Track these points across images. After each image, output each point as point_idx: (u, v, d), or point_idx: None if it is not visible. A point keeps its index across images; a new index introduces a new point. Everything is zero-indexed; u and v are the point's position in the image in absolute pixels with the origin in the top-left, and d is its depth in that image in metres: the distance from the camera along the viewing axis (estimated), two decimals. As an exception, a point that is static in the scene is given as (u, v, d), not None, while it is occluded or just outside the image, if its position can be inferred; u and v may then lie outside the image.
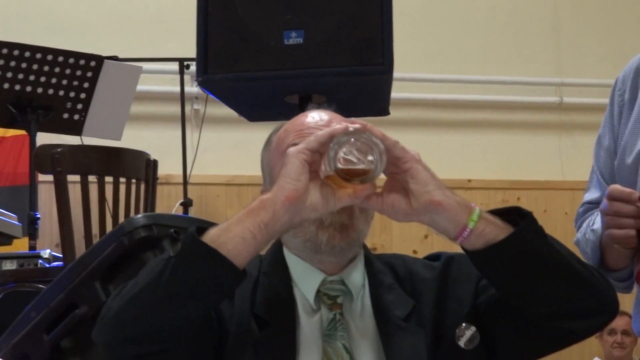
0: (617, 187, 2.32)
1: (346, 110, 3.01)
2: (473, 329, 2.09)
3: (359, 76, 3.07)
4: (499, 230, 1.94)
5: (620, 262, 2.42)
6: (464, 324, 2.09)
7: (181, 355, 2.00)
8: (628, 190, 2.30)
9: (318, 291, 2.14)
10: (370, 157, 1.88)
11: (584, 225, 2.55)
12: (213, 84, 3.22)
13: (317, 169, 1.91)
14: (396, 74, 3.16)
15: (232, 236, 1.90)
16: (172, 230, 2.63)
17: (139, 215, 2.82)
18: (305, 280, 2.16)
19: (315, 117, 2.18)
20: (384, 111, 3.32)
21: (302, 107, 3.11)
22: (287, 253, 2.21)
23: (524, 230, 1.95)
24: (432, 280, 2.18)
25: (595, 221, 2.47)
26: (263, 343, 2.07)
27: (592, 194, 2.58)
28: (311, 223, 2.08)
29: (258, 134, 3.73)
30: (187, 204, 5.28)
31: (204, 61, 3.11)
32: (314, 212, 1.92)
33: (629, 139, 2.47)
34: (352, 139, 1.88)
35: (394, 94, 3.70)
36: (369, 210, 2.14)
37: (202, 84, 3.21)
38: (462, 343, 2.08)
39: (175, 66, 5.30)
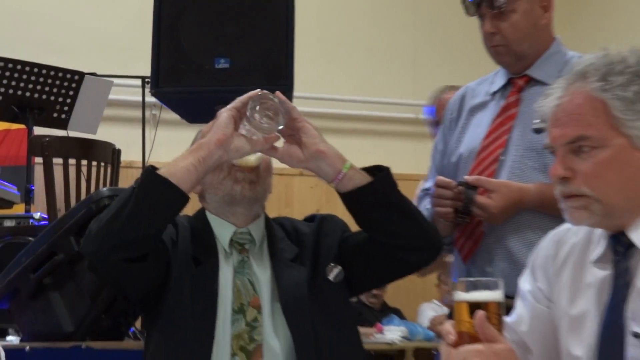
0: (441, 178, 2.31)
1: None
2: (339, 267, 2.11)
3: None
4: (364, 177, 1.98)
5: (444, 232, 2.34)
6: (332, 264, 2.12)
7: (147, 264, 2.00)
8: (449, 180, 2.29)
9: (231, 240, 2.14)
10: (274, 120, 1.93)
11: (421, 206, 2.49)
12: (163, 95, 3.19)
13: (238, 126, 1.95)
14: (296, 93, 3.10)
15: (179, 168, 1.93)
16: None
17: (104, 189, 2.76)
18: (222, 231, 2.16)
19: None
20: None
21: (228, 114, 3.16)
22: (208, 214, 2.20)
23: (382, 178, 1.99)
24: (310, 234, 2.20)
25: (428, 203, 2.42)
26: (198, 275, 2.08)
27: (428, 184, 2.52)
28: (228, 179, 2.11)
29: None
30: (144, 183, 5.17)
31: (156, 78, 3.08)
32: (237, 153, 1.96)
33: (454, 146, 2.45)
34: (262, 102, 1.92)
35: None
36: (269, 177, 2.17)
37: (154, 95, 3.18)
38: (331, 277, 2.11)
39: (138, 82, 5.19)
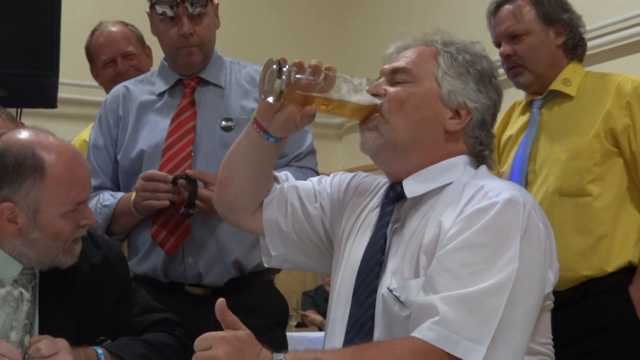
0: (155, 172, 2.37)
1: (24, 101, 3.12)
2: None
3: (33, 77, 2.89)
4: None
5: (127, 227, 2.48)
6: None
7: None
8: (163, 174, 2.36)
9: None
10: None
11: (94, 202, 2.47)
12: None
13: None
14: (64, 79, 3.05)
15: None
16: None
17: None
18: (6, 267, 1.88)
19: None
20: (52, 105, 3.14)
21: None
22: None
23: None
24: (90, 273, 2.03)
25: (105, 199, 2.47)
26: None
27: (93, 182, 2.48)
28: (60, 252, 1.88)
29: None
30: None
31: None
32: None
33: (130, 143, 2.51)
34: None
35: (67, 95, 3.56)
36: None
37: None
38: None
39: None
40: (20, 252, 1.86)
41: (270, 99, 1.65)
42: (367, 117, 1.72)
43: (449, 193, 1.67)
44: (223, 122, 2.46)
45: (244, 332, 1.46)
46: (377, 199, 1.83)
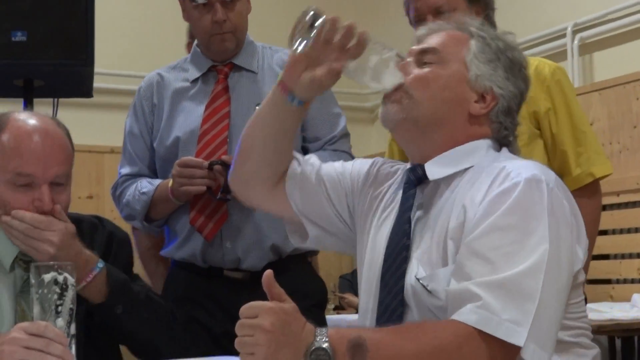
0: (191, 158, 2.38)
1: (60, 91, 3.18)
2: None
3: (68, 67, 2.92)
4: None
5: (166, 213, 2.49)
6: None
7: None
8: (199, 160, 2.38)
9: (16, 257, 1.91)
10: None
11: (132, 189, 2.54)
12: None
13: None
14: (99, 68, 3.07)
15: None
16: None
17: None
18: (4, 248, 1.91)
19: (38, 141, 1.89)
20: (88, 94, 3.17)
21: (27, 89, 3.01)
22: None
23: None
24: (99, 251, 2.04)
25: (143, 186, 2.50)
26: None
27: (128, 169, 2.58)
28: None
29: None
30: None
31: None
32: None
33: (165, 130, 2.53)
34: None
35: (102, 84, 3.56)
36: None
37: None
38: None
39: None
40: None
41: (299, 48, 1.62)
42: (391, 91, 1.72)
43: (471, 176, 1.67)
44: (257, 108, 2.45)
45: (290, 305, 1.45)
46: (396, 185, 1.82)
